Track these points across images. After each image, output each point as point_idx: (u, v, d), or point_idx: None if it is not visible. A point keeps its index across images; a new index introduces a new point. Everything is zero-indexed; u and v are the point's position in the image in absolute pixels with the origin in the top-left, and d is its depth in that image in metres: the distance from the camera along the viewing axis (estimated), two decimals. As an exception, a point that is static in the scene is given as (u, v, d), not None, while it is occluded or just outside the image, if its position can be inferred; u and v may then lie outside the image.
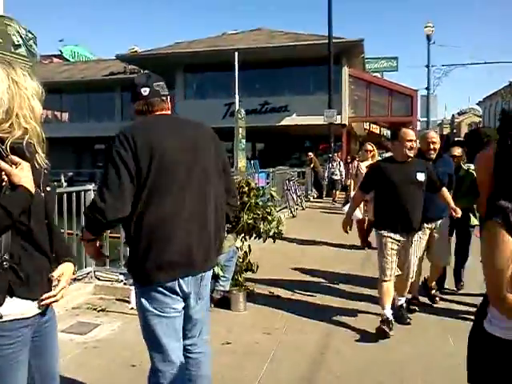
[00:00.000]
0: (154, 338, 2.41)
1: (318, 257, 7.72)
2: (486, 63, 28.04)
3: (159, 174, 2.23)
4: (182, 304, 2.45)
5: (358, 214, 7.64)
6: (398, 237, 4.38)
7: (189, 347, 2.60)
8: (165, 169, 2.25)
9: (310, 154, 18.78)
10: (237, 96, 14.22)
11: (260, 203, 5.35)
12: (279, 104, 23.98)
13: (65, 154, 29.93)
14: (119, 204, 2.20)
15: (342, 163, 17.45)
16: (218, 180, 2.45)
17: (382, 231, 4.41)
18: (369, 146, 8.96)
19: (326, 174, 17.94)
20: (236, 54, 15.60)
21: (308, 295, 5.59)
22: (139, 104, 2.49)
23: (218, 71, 23.58)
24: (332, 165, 17.46)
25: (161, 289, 2.33)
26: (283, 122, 23.71)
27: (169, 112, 2.54)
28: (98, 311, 4.87)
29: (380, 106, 24.86)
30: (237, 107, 13.30)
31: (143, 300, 2.39)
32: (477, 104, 76.47)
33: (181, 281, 2.35)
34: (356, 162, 16.73)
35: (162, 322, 2.39)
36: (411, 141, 4.37)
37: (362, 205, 7.11)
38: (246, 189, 5.28)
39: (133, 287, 5.17)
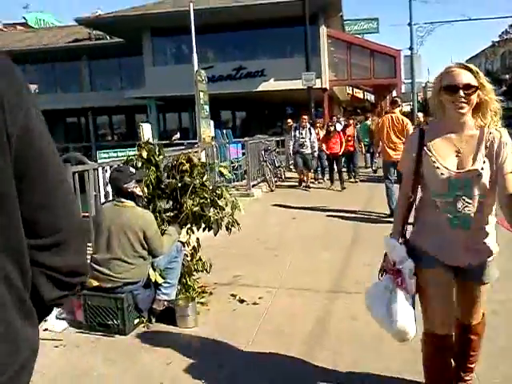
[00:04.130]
0: None
1: (297, 241, 6.52)
2: (470, 20, 26.63)
3: None
4: None
5: None
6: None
7: None
8: None
9: (289, 120, 17.36)
10: (195, 55, 12.68)
11: (207, 184, 4.11)
12: (255, 68, 22.39)
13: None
14: None
15: (313, 130, 12.03)
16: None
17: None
18: None
19: (290, 147, 12.15)
20: (192, 11, 13.74)
21: (284, 297, 4.42)
22: None
23: (189, 34, 21.78)
24: (300, 133, 11.78)
25: None
26: (260, 88, 22.21)
27: None
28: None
29: (362, 68, 23.45)
30: (195, 67, 11.79)
31: None
32: (460, 66, 75.34)
33: None
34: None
35: None
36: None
37: None
38: (187, 166, 4.02)
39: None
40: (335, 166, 11.83)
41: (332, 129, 12.05)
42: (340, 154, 11.77)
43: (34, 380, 2.77)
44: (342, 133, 12.23)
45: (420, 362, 2.59)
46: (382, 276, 2.52)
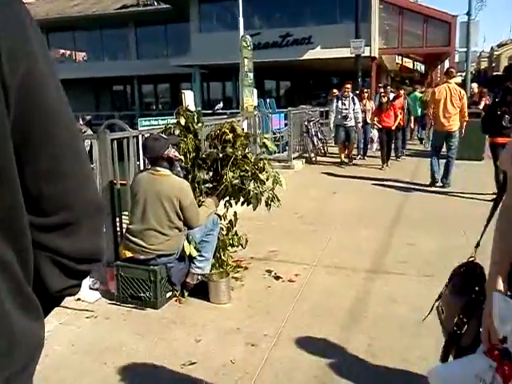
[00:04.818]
0: None
1: (337, 217, 6.31)
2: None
3: None
4: None
5: None
6: None
7: None
8: None
9: (334, 90, 16.75)
10: (241, 19, 12.28)
11: (249, 156, 3.93)
12: (302, 35, 21.75)
13: (83, 96, 28.88)
14: None
15: (356, 100, 10.81)
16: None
17: None
18: None
19: (332, 119, 10.95)
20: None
21: (321, 275, 4.27)
22: None
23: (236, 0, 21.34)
24: (343, 103, 10.54)
25: None
26: (306, 56, 21.59)
27: None
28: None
29: (414, 35, 22.36)
30: (241, 32, 11.41)
31: None
32: (519, 34, 71.07)
33: None
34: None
35: None
36: None
37: None
38: (231, 136, 3.85)
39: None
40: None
41: (385, 99, 10.46)
42: (393, 128, 10.40)
43: (63, 351, 2.75)
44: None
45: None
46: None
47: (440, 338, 3.07)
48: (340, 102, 10.57)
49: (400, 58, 30.03)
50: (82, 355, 2.98)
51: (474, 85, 14.13)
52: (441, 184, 7.96)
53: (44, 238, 0.78)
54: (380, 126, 10.41)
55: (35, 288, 0.78)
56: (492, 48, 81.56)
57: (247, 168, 3.97)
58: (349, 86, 10.77)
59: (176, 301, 3.75)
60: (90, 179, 0.84)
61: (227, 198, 4.14)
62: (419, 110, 13.68)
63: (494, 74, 62.33)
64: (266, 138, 4.47)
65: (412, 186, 8.15)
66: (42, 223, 0.77)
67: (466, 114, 7.73)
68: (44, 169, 0.76)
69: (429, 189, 7.91)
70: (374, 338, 3.12)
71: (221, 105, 20.27)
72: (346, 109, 10.47)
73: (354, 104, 10.56)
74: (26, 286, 0.76)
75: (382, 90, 12.38)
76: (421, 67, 35.43)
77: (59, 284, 0.82)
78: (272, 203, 3.96)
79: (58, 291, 0.82)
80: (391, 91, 12.20)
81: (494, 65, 75.67)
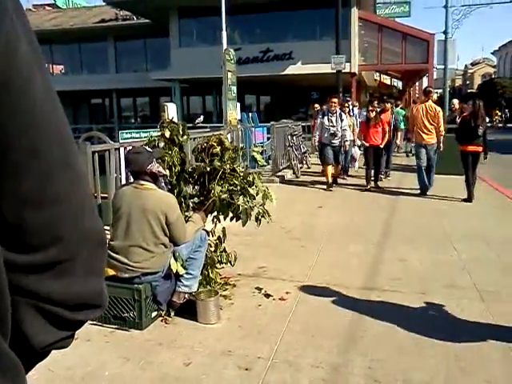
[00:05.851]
0: None
1: (324, 231, 6.18)
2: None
3: None
4: None
5: None
6: None
7: None
8: None
9: (316, 105, 16.70)
10: (224, 33, 12.20)
11: (238, 170, 3.78)
12: (283, 51, 21.85)
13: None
14: None
15: (344, 116, 9.66)
16: None
17: None
18: None
19: (316, 137, 9.67)
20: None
21: (312, 293, 4.11)
22: None
23: (217, 15, 21.16)
24: (330, 120, 9.40)
25: None
26: (287, 71, 21.67)
27: None
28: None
29: (393, 52, 22.67)
30: (224, 45, 11.33)
31: None
32: (491, 53, 72.99)
33: None
34: None
35: None
36: None
37: None
38: (219, 149, 3.70)
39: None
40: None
41: (373, 115, 9.51)
42: (381, 145, 9.51)
43: (39, 378, 2.53)
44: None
45: (467, 376, 2.26)
46: None
47: (442, 358, 2.94)
48: (326, 118, 9.48)
49: (378, 74, 30.41)
50: (62, 382, 2.76)
51: (455, 101, 14.32)
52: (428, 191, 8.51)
53: (27, 280, 0.58)
54: (367, 145, 9.58)
55: (13, 344, 0.58)
56: (466, 66, 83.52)
57: (236, 182, 3.81)
58: (335, 100, 9.72)
59: (162, 321, 3.55)
60: (89, 202, 0.64)
61: (215, 213, 3.97)
62: (402, 124, 13.82)
63: (469, 91, 63.75)
64: (255, 151, 4.32)
65: (398, 199, 8.12)
66: (25, 262, 0.57)
67: (442, 128, 8.54)
68: (28, 190, 0.57)
69: (415, 201, 8.06)
70: (375, 360, 2.97)
71: (201, 118, 20.07)
72: (334, 126, 9.39)
73: (342, 121, 9.46)
74: (2, 343, 0.56)
75: (359, 103, 12.16)
76: (398, 84, 35.99)
77: (46, 338, 0.62)
78: (263, 218, 3.79)
79: (44, 346, 0.62)
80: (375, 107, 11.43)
81: (468, 82, 77.43)
